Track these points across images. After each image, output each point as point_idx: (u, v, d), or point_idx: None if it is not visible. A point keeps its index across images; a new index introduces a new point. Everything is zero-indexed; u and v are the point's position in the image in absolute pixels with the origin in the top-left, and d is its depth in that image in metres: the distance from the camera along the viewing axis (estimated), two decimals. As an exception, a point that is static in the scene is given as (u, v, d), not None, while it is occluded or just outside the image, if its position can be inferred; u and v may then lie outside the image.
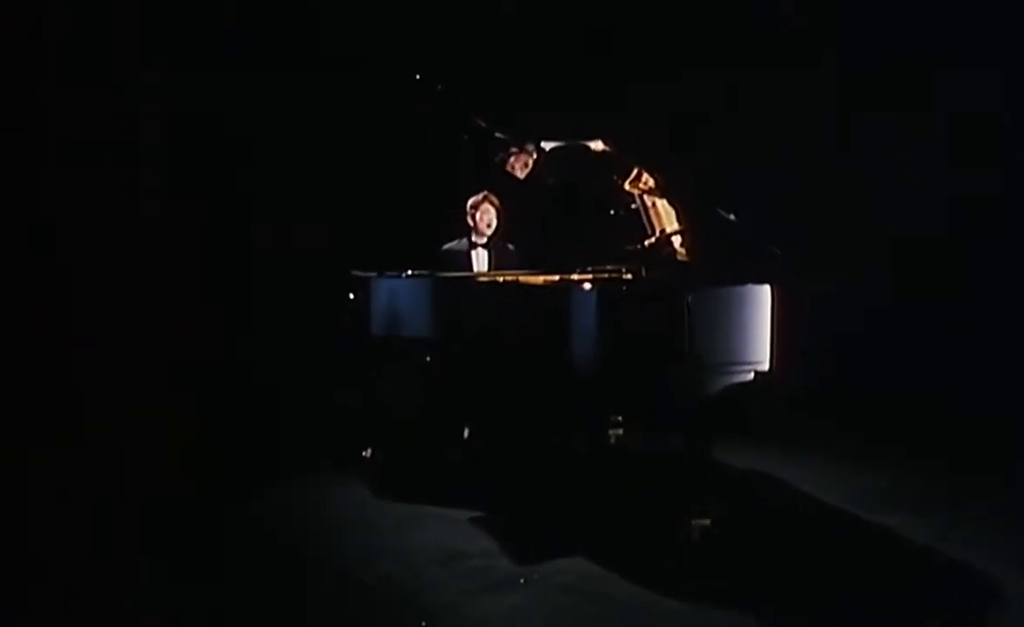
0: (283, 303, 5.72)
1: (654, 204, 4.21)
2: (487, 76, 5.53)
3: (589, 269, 4.30)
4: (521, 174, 4.52)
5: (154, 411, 4.93)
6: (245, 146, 5.78)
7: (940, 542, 3.65)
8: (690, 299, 3.43)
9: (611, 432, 4.77)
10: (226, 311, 5.75)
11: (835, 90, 5.97)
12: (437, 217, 5.10)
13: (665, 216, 4.19)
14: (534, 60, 5.83)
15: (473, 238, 4.93)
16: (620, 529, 3.87)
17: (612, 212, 4.29)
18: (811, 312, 3.76)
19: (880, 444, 5.13)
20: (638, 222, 4.22)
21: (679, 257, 4.10)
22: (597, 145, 4.10)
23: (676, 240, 4.12)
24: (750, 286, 3.53)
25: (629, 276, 4.13)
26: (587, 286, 3.89)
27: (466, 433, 4.90)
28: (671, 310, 3.46)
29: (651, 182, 4.13)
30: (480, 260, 4.94)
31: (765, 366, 3.50)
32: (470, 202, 4.93)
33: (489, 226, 4.91)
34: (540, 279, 4.48)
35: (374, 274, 4.67)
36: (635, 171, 4.14)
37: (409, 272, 4.61)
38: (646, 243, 4.19)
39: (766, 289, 3.52)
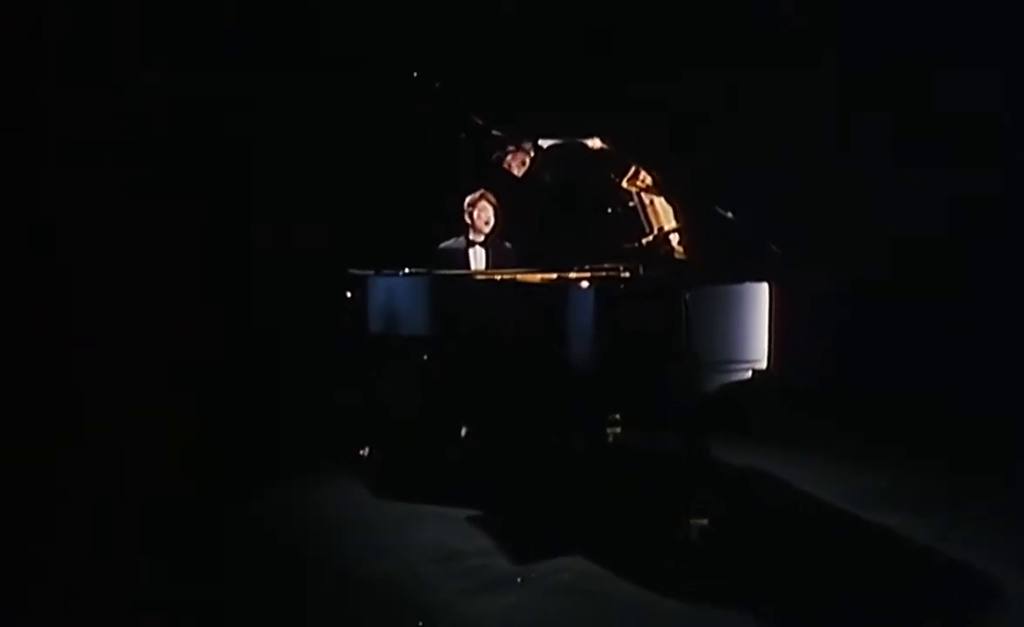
0: (283, 303, 5.72)
1: (652, 202, 4.20)
2: (487, 76, 5.52)
3: (587, 267, 4.30)
4: (518, 172, 4.52)
5: (154, 411, 4.93)
6: (245, 146, 5.77)
7: (940, 542, 3.65)
8: (688, 297, 3.43)
9: (609, 430, 4.77)
10: (226, 311, 5.74)
11: (835, 90, 5.97)
12: (436, 216, 5.10)
13: (663, 214, 4.18)
14: (534, 60, 5.83)
15: (471, 236, 4.94)
16: (618, 528, 3.87)
17: (610, 210, 4.28)
18: (811, 311, 3.76)
19: (880, 444, 5.13)
20: (636, 220, 4.21)
21: (677, 255, 4.10)
22: (594, 143, 4.09)
23: (674, 238, 4.12)
24: (748, 284, 3.52)
25: (627, 274, 4.12)
26: (584, 284, 3.89)
27: (463, 432, 4.90)
28: (669, 308, 3.45)
29: (649, 180, 4.13)
30: (477, 258, 4.94)
31: (763, 364, 3.50)
32: (467, 200, 4.94)
33: (487, 224, 4.91)
34: (537, 277, 4.48)
35: (371, 272, 4.67)
36: (633, 169, 4.14)
37: (406, 270, 4.62)
38: (644, 241, 4.18)
39: (764, 287, 3.52)
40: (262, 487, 4.49)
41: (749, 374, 3.50)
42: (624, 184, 4.20)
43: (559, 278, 4.37)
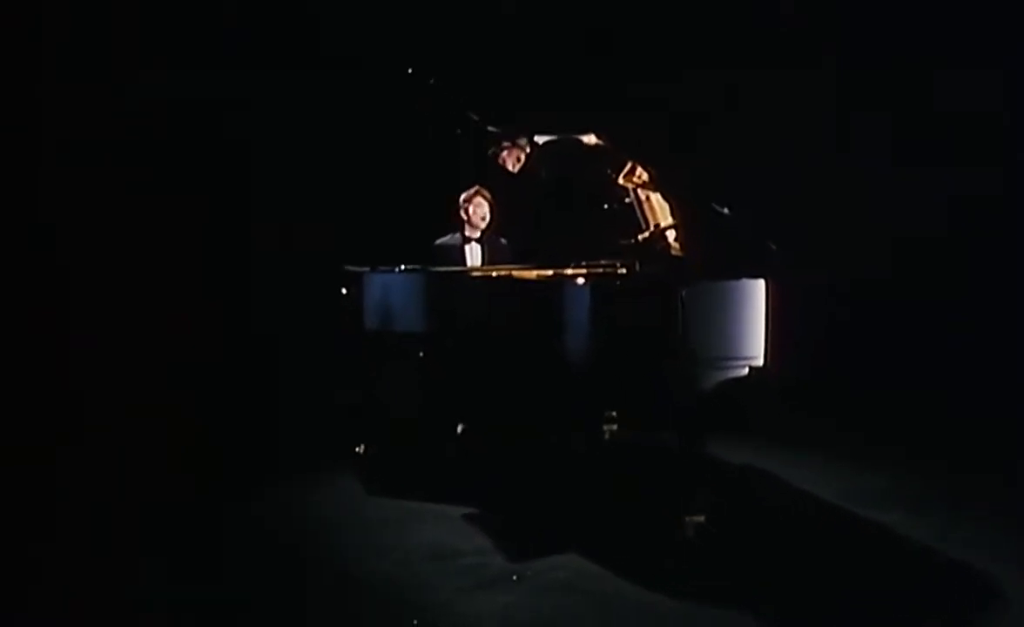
0: (283, 303, 5.72)
1: (648, 198, 4.20)
2: (487, 76, 5.52)
3: (583, 264, 4.30)
4: (513, 168, 4.51)
5: (154, 411, 4.93)
6: (245, 146, 5.77)
7: (940, 542, 3.65)
8: (684, 294, 3.43)
9: (605, 428, 4.77)
10: (226, 311, 5.74)
11: (835, 90, 5.97)
12: (436, 214, 5.11)
13: (659, 210, 4.18)
14: (534, 60, 5.83)
15: (466, 232, 4.94)
16: (614, 526, 3.87)
17: (606, 206, 4.28)
18: (811, 310, 3.77)
19: (880, 444, 5.14)
20: (632, 216, 4.21)
21: (673, 252, 4.09)
22: (590, 138, 4.09)
23: (670, 234, 4.11)
24: (744, 281, 3.52)
25: (623, 271, 4.12)
26: (580, 281, 3.89)
27: (460, 429, 4.89)
28: (665, 305, 3.46)
29: (645, 176, 4.12)
30: (473, 255, 4.94)
31: (759, 361, 3.50)
32: (463, 196, 4.94)
33: (483, 219, 4.92)
34: (533, 274, 4.47)
35: (367, 269, 4.67)
36: (629, 165, 4.13)
37: (402, 267, 4.62)
38: (640, 237, 4.18)
39: (760, 284, 3.52)
40: (262, 487, 4.49)
41: (746, 371, 3.50)
42: (620, 180, 4.19)
43: (555, 274, 4.37)
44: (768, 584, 3.31)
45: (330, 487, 4.50)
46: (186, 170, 5.56)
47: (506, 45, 5.91)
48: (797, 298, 3.65)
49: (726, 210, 3.75)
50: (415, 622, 3.01)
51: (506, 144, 4.47)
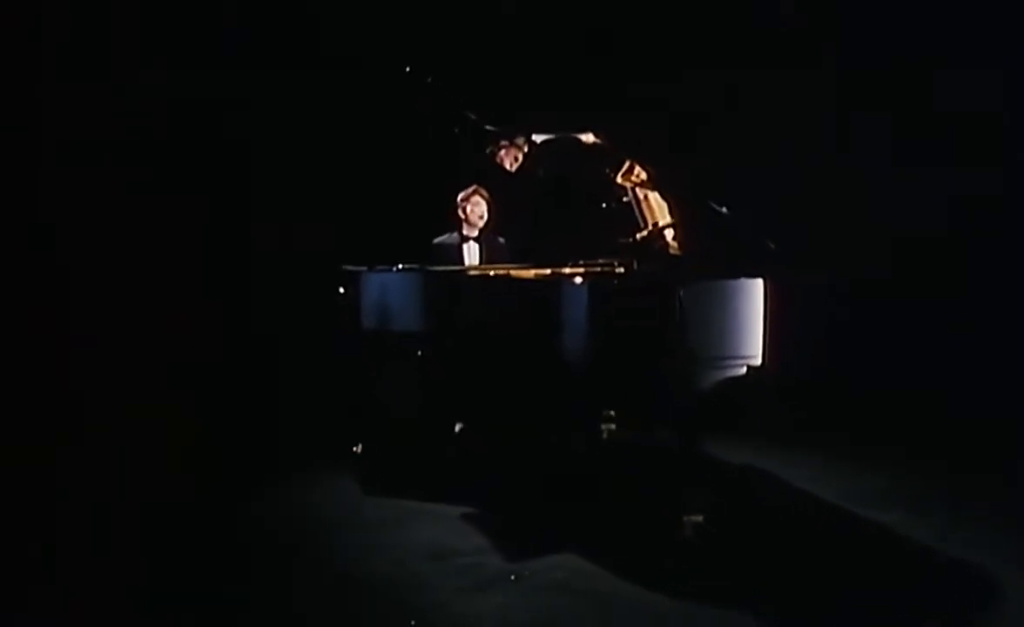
0: (283, 303, 5.72)
1: (646, 197, 4.19)
2: (487, 76, 5.52)
3: (581, 262, 4.30)
4: (511, 167, 4.51)
5: (154, 411, 4.93)
6: (245, 146, 5.77)
7: (940, 542, 3.65)
8: (682, 293, 3.42)
9: (603, 427, 4.77)
10: (226, 311, 5.74)
11: (835, 90, 5.97)
12: (436, 214, 5.11)
13: (657, 209, 4.18)
14: (534, 60, 5.83)
15: (464, 231, 4.95)
16: (612, 526, 3.87)
17: (604, 205, 4.28)
18: (811, 310, 3.76)
19: (880, 444, 5.14)
20: (630, 215, 4.21)
21: (671, 250, 4.09)
22: (588, 137, 4.08)
23: (668, 233, 4.11)
24: (743, 280, 3.52)
25: (621, 270, 4.12)
26: (578, 280, 3.88)
27: (457, 429, 4.89)
28: (663, 304, 3.45)
29: (643, 175, 4.12)
30: (471, 253, 4.95)
31: (757, 361, 3.49)
32: (460, 195, 4.95)
33: (481, 218, 4.92)
34: (531, 273, 4.47)
35: (364, 268, 4.67)
36: (627, 164, 4.13)
37: (399, 266, 4.62)
38: (638, 236, 4.17)
39: (759, 283, 3.51)
40: (262, 487, 4.49)
41: (744, 370, 3.49)
42: (618, 179, 4.19)
43: (553, 273, 4.37)
44: (768, 584, 3.31)
45: (328, 487, 4.51)
46: (186, 170, 5.56)
47: (506, 45, 5.91)
48: (797, 298, 3.65)
49: (724, 209, 3.75)
50: (412, 623, 3.01)
51: (504, 143, 4.47)
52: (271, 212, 5.86)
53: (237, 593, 3.30)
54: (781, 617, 3.09)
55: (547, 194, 4.59)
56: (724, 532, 3.67)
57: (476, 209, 4.94)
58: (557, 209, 4.59)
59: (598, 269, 4.20)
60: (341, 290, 4.75)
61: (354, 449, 4.82)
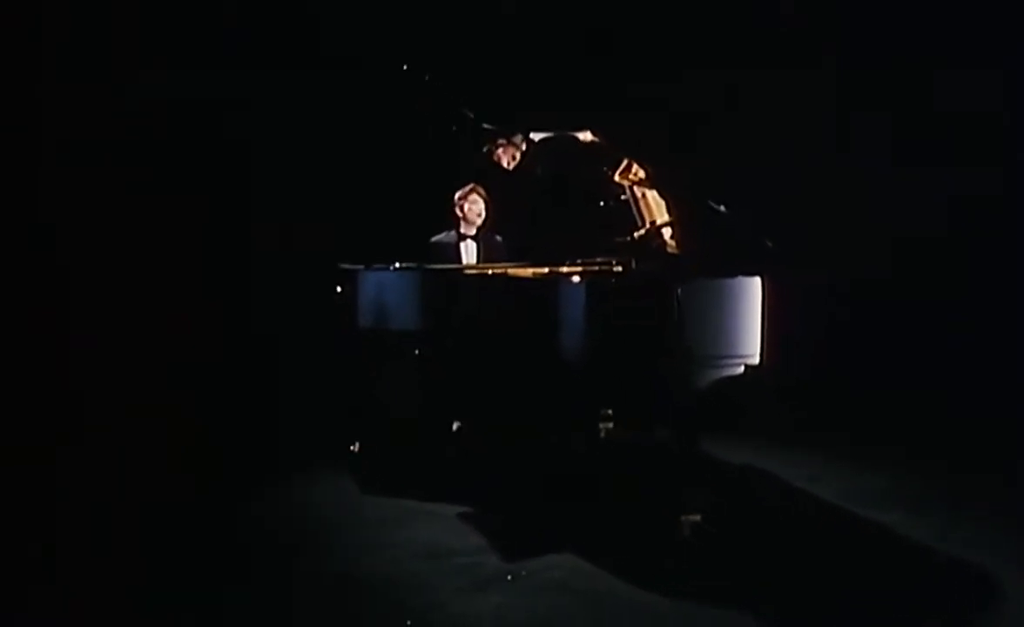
0: (283, 303, 5.72)
1: (644, 195, 4.19)
2: (488, 76, 5.53)
3: (578, 261, 4.30)
4: (509, 165, 4.50)
5: (154, 411, 4.93)
6: (245, 146, 5.77)
7: (940, 542, 3.65)
8: (680, 291, 3.42)
9: (601, 426, 4.76)
10: (226, 311, 5.74)
11: (835, 90, 5.97)
12: (436, 213, 5.11)
13: (655, 208, 4.17)
14: (534, 60, 5.83)
15: (462, 229, 4.95)
16: (609, 525, 3.87)
17: (602, 203, 4.27)
18: (811, 310, 3.76)
19: (880, 444, 5.14)
20: (628, 214, 4.20)
21: (669, 249, 4.09)
22: (585, 136, 4.08)
23: (666, 232, 4.11)
24: (740, 279, 3.51)
25: (619, 268, 4.12)
26: (576, 279, 3.88)
27: (455, 428, 4.89)
28: (661, 303, 3.45)
29: (641, 173, 4.12)
30: (469, 252, 4.95)
31: (755, 360, 3.48)
32: (458, 194, 4.95)
33: (479, 216, 4.92)
34: (529, 271, 4.46)
35: (361, 267, 4.67)
36: (625, 162, 4.13)
37: (396, 265, 4.61)
38: (636, 235, 4.17)
39: (756, 282, 3.50)
40: (262, 487, 4.49)
41: (742, 369, 3.49)
42: (616, 178, 4.19)
43: (551, 272, 4.37)
44: (767, 584, 3.31)
45: (327, 486, 4.50)
46: (186, 170, 5.56)
47: (506, 45, 5.91)
48: (796, 297, 3.64)
49: (722, 208, 3.74)
50: (408, 623, 3.00)
51: (501, 141, 4.46)
52: (271, 212, 5.86)
53: (237, 593, 3.30)
54: (781, 617, 3.09)
55: (545, 192, 4.59)
56: (723, 532, 3.67)
57: (474, 208, 4.94)
58: (555, 207, 4.59)
59: (596, 268, 4.20)
60: (338, 289, 4.75)
61: (351, 448, 4.82)
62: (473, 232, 4.96)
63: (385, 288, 4.59)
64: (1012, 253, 5.72)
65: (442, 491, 4.28)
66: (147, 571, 3.49)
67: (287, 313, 5.66)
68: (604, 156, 4.16)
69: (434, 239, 5.00)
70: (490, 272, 4.55)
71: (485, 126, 4.42)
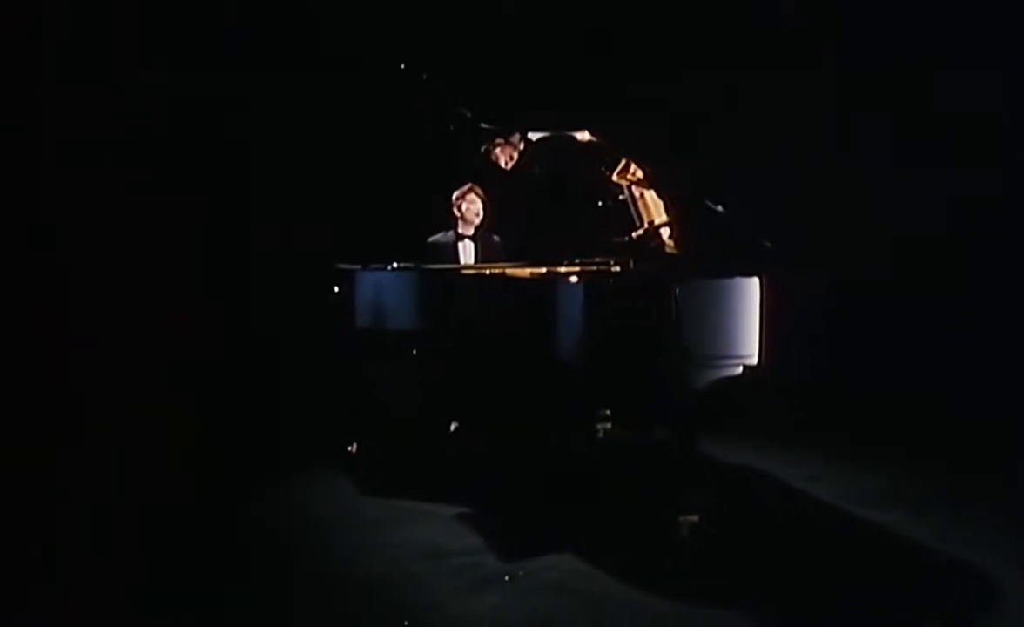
0: (283, 303, 5.72)
1: (642, 195, 4.19)
2: (487, 76, 5.52)
3: (576, 261, 4.29)
4: (507, 165, 4.50)
5: (154, 411, 4.93)
6: (245, 146, 5.77)
7: (940, 542, 3.65)
8: (678, 291, 3.41)
9: (599, 427, 4.76)
10: (226, 311, 5.74)
11: (835, 90, 5.97)
12: (428, 211, 5.11)
13: (654, 207, 4.17)
14: (534, 60, 5.83)
15: (460, 229, 4.95)
16: (609, 526, 3.87)
17: (600, 203, 4.26)
18: (811, 310, 3.75)
19: (880, 444, 5.13)
20: (626, 213, 4.19)
21: (667, 249, 4.08)
22: (583, 135, 4.08)
23: (664, 232, 4.10)
24: (739, 279, 3.50)
25: (617, 268, 4.11)
26: (573, 279, 3.87)
27: (453, 428, 4.88)
28: (659, 303, 3.44)
29: (639, 173, 4.11)
30: (466, 252, 4.94)
31: (753, 360, 3.47)
32: (456, 193, 4.95)
33: (477, 216, 4.92)
34: (527, 271, 4.46)
35: (358, 267, 4.66)
36: (623, 162, 4.12)
37: (394, 265, 4.61)
38: (634, 235, 4.16)
39: (755, 282, 3.49)
40: (262, 487, 4.49)
41: (740, 370, 3.48)
42: (614, 177, 4.19)
43: (549, 272, 4.36)
44: (767, 584, 3.31)
45: (326, 487, 4.51)
46: (186, 170, 5.56)
47: (506, 45, 5.91)
48: (795, 297, 3.64)
49: (720, 208, 3.74)
50: (406, 624, 3.00)
51: (499, 141, 4.46)
52: (271, 212, 5.87)
53: (237, 593, 3.30)
54: (781, 617, 3.09)
55: (543, 192, 4.59)
56: (723, 532, 3.67)
57: (471, 207, 4.94)
58: (553, 207, 4.59)
59: (594, 268, 4.19)
60: (335, 289, 4.75)
61: (349, 449, 4.82)
62: (471, 232, 4.96)
63: (382, 288, 4.59)
64: (1012, 253, 5.72)
65: (440, 491, 4.28)
66: (147, 571, 3.49)
67: (287, 313, 5.66)
68: (602, 156, 4.15)
69: (432, 239, 5.00)
70: (488, 272, 4.55)
71: (483, 126, 4.42)
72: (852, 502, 4.12)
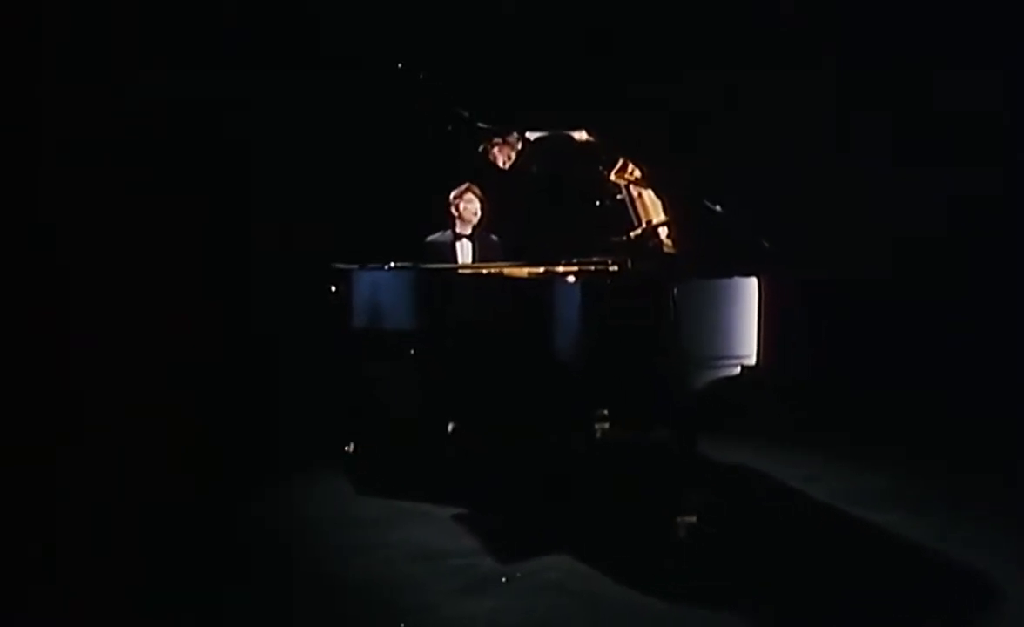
0: (283, 303, 5.72)
1: (640, 195, 4.18)
2: (487, 76, 5.52)
3: (574, 260, 4.28)
4: (505, 164, 4.49)
5: (154, 411, 4.93)
6: (245, 146, 5.77)
7: (940, 542, 3.65)
8: (676, 291, 3.41)
9: (597, 427, 4.76)
10: (226, 311, 5.74)
11: (835, 90, 5.97)
12: (427, 211, 5.11)
13: (652, 207, 4.16)
14: (534, 60, 5.83)
15: (457, 228, 4.94)
16: (607, 527, 3.86)
17: (598, 203, 4.26)
18: (811, 310, 3.75)
19: (880, 444, 5.13)
20: (624, 213, 4.19)
21: (665, 249, 4.07)
22: (581, 135, 4.08)
23: (663, 232, 4.10)
24: (737, 279, 3.49)
25: (615, 268, 4.10)
26: (571, 279, 3.86)
27: (450, 428, 4.88)
28: (657, 302, 3.44)
29: (637, 173, 4.11)
30: (464, 251, 4.94)
31: (751, 361, 3.46)
32: (453, 193, 4.95)
33: (475, 215, 4.92)
34: (524, 271, 4.46)
35: (355, 266, 4.66)
36: (621, 161, 4.12)
37: (391, 264, 4.61)
38: (632, 234, 4.15)
39: (753, 282, 3.48)
40: (262, 487, 4.49)
41: (738, 370, 3.47)
42: (612, 177, 4.18)
43: (546, 272, 4.36)
44: (767, 584, 3.31)
45: (323, 486, 4.51)
46: (186, 170, 5.56)
47: (506, 45, 5.91)
48: (794, 297, 3.64)
49: (718, 208, 3.74)
50: (401, 625, 3.00)
51: (497, 140, 4.45)
52: (271, 212, 5.87)
53: (237, 593, 3.30)
54: (780, 618, 3.09)
55: (541, 192, 4.58)
56: (723, 532, 3.66)
57: (469, 207, 4.94)
58: (551, 207, 4.58)
59: (592, 267, 4.18)
60: (332, 288, 4.75)
61: (346, 449, 4.82)
62: (469, 231, 4.96)
63: (380, 288, 4.58)
64: (1012, 253, 5.72)
65: (438, 492, 4.27)
66: (147, 571, 3.49)
67: (287, 313, 5.66)
68: (600, 155, 4.15)
69: (430, 239, 5.00)
70: (485, 272, 4.55)
71: (481, 125, 4.41)
72: (852, 502, 4.12)
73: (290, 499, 4.37)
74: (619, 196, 4.20)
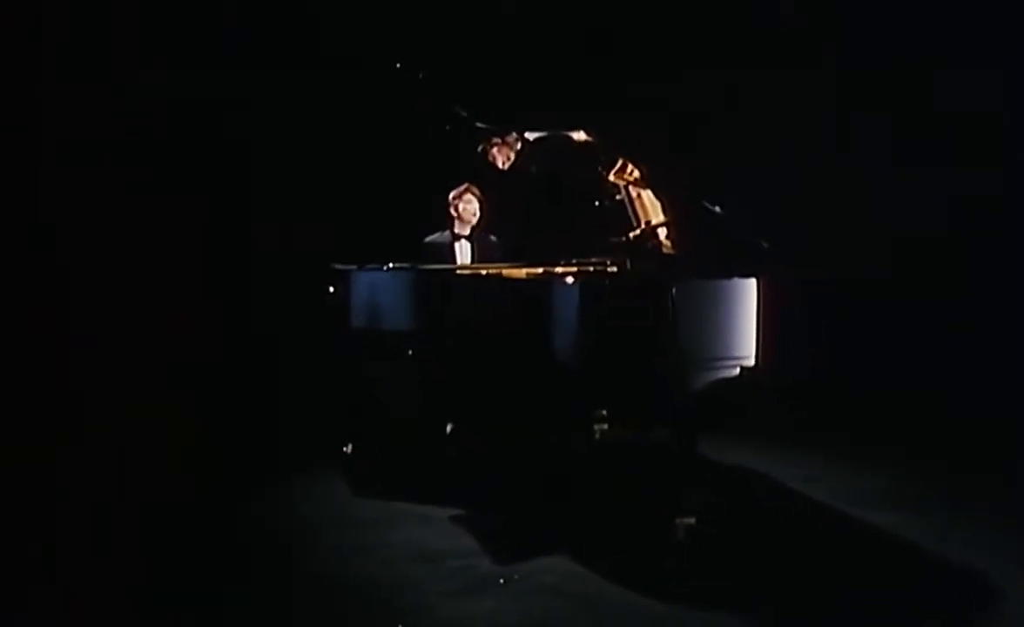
0: (283, 303, 5.72)
1: (639, 195, 4.17)
2: (487, 76, 5.52)
3: (573, 261, 4.28)
4: (503, 165, 4.49)
5: (154, 411, 4.93)
6: (245, 146, 5.77)
7: (940, 542, 3.65)
8: (675, 292, 3.40)
9: (595, 428, 4.75)
10: (226, 311, 5.74)
11: (835, 90, 5.97)
12: (425, 211, 5.11)
13: (651, 207, 4.15)
14: (534, 60, 5.83)
15: (456, 229, 4.94)
16: (605, 528, 3.86)
17: (596, 203, 4.25)
18: (811, 310, 3.75)
19: (880, 444, 5.13)
20: (623, 213, 4.18)
21: (664, 249, 4.07)
22: (580, 135, 4.07)
23: (661, 232, 4.09)
24: (736, 279, 3.48)
25: (613, 268, 4.10)
26: (569, 279, 3.86)
27: (448, 429, 4.88)
28: (655, 303, 3.43)
29: (636, 173, 4.11)
30: (463, 252, 4.94)
31: (751, 361, 3.45)
32: (452, 193, 4.95)
33: (474, 216, 4.92)
34: (523, 272, 4.45)
35: (354, 267, 4.66)
36: (620, 162, 4.11)
37: (390, 265, 4.61)
38: (631, 235, 4.15)
39: (752, 283, 3.47)
40: (262, 487, 4.49)
41: (737, 371, 3.47)
42: (611, 177, 4.18)
43: (545, 272, 4.36)
44: (767, 585, 3.31)
45: (322, 487, 4.51)
46: (186, 170, 5.56)
47: (506, 45, 5.91)
48: (794, 298, 3.64)
49: (717, 208, 3.73)
50: (400, 626, 3.00)
51: (496, 141, 4.45)
52: (271, 212, 5.87)
53: (237, 593, 3.30)
54: (780, 618, 3.09)
55: (539, 192, 4.58)
56: (722, 532, 3.66)
57: (468, 207, 4.94)
58: (550, 207, 4.58)
59: (591, 268, 4.18)
60: (331, 289, 4.75)
61: (344, 449, 4.82)
62: (467, 232, 4.96)
63: (378, 288, 4.58)
64: (1012, 253, 5.72)
65: (436, 492, 4.27)
66: (147, 571, 3.49)
67: (287, 313, 5.66)
68: (599, 155, 4.15)
69: (428, 239, 4.99)
70: (484, 272, 4.55)
71: (480, 125, 4.41)
72: (852, 502, 4.12)
73: (290, 499, 4.36)
74: (618, 196, 4.19)
